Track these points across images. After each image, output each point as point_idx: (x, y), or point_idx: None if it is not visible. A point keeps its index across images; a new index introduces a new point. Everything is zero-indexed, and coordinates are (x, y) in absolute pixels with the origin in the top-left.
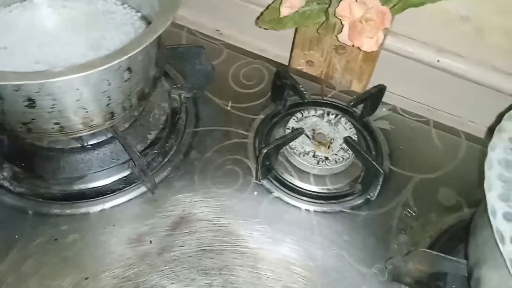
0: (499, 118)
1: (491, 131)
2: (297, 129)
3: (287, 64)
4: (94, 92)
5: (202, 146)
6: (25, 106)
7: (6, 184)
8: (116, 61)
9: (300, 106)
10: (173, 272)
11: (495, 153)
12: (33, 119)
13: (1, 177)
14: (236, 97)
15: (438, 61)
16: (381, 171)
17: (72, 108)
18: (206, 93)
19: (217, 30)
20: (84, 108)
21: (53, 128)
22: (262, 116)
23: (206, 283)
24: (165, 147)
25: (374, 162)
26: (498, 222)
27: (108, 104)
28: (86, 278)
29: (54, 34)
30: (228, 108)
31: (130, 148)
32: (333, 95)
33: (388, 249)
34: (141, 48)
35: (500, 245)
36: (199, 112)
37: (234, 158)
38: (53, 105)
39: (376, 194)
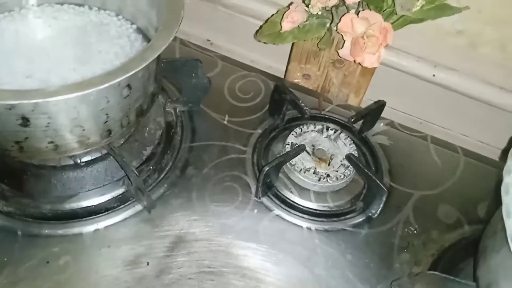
0: (496, 133)
1: (504, 153)
2: (298, 145)
3: (282, 75)
4: (92, 110)
5: (199, 162)
6: (18, 124)
7: None
8: (118, 79)
9: (298, 121)
10: None
11: (511, 177)
12: (26, 138)
13: None
14: (232, 110)
15: (434, 75)
16: (385, 189)
17: (68, 127)
18: (201, 106)
19: (208, 40)
20: (80, 126)
21: (47, 147)
22: (259, 131)
23: None
24: (161, 163)
25: (378, 181)
26: None
27: (105, 122)
28: None
29: (44, 47)
30: (225, 122)
31: (127, 165)
32: (330, 109)
33: (391, 268)
34: (144, 65)
35: None
36: (195, 127)
37: (232, 174)
38: (48, 123)
39: (378, 212)
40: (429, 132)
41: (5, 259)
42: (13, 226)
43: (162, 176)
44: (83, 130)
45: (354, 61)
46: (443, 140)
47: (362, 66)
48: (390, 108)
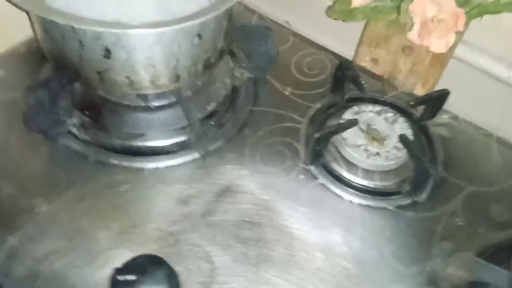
0: None
1: None
2: (351, 119)
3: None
4: (164, 51)
5: (256, 125)
6: (102, 55)
7: (74, 130)
8: (190, 23)
9: (358, 101)
10: (213, 236)
11: None
12: (106, 69)
13: (71, 123)
14: (296, 83)
15: (509, 77)
16: (432, 173)
17: (142, 64)
18: (267, 76)
19: (286, 22)
20: (153, 66)
21: (123, 81)
22: (318, 105)
23: (242, 251)
24: (221, 120)
25: (426, 164)
26: None
27: (175, 66)
28: (133, 226)
29: None
30: (287, 93)
31: (190, 114)
32: (394, 95)
33: (429, 253)
34: (213, 14)
35: None
36: (258, 93)
37: (285, 140)
38: (126, 58)
39: (424, 197)
40: (498, 133)
41: (75, 178)
42: (87, 152)
43: (220, 131)
44: (155, 70)
45: (422, 45)
46: (509, 142)
47: (432, 56)
48: (461, 104)
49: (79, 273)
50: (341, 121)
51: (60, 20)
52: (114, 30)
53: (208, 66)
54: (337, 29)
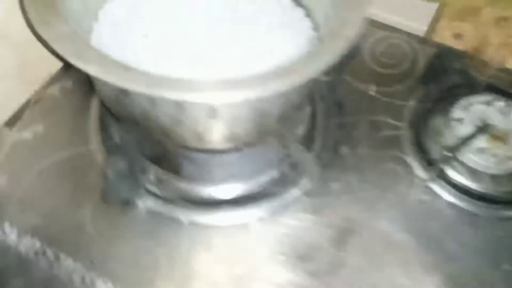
0: None
1: None
2: (485, 125)
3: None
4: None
5: (351, 140)
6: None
7: (153, 189)
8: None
9: (455, 89)
10: None
11: None
12: (207, 129)
13: (147, 181)
14: (378, 79)
15: None
16: None
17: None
18: (344, 76)
19: None
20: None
21: (219, 139)
22: (413, 103)
23: None
24: (311, 143)
25: None
26: None
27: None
28: None
29: (207, 29)
30: (372, 93)
31: (289, 143)
32: (492, 75)
33: None
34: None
35: None
36: (340, 99)
37: (390, 154)
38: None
39: None
40: None
41: (177, 249)
42: (176, 214)
43: (313, 156)
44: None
45: None
46: None
47: None
48: None
49: None
50: (451, 121)
51: (140, 89)
52: (200, 101)
53: (299, 107)
54: (404, 3)
